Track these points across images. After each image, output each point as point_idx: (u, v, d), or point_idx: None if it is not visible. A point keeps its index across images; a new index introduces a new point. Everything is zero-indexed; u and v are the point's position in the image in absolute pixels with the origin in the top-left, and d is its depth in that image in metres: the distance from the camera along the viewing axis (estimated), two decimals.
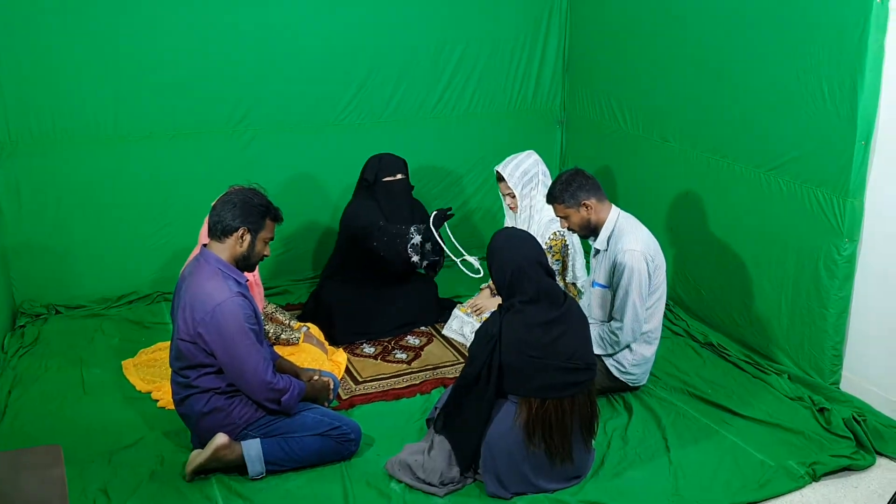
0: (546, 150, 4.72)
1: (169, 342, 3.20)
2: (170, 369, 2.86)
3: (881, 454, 3.03)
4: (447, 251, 3.80)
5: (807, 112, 3.32)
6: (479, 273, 3.74)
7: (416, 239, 3.76)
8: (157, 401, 3.31)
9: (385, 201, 3.92)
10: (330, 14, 4.33)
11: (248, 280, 2.86)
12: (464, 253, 3.82)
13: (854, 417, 3.13)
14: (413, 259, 3.77)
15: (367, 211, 3.90)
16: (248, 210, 2.73)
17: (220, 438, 2.76)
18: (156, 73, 4.09)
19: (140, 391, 3.40)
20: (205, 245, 2.80)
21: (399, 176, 3.93)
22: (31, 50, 3.89)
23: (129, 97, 4.08)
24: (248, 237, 2.75)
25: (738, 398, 3.37)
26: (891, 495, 2.57)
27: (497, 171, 3.81)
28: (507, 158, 3.83)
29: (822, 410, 3.23)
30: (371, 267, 3.89)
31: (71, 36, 3.92)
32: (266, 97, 4.31)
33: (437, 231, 3.77)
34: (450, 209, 3.85)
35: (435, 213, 3.80)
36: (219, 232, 2.73)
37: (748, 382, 3.52)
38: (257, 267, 3.48)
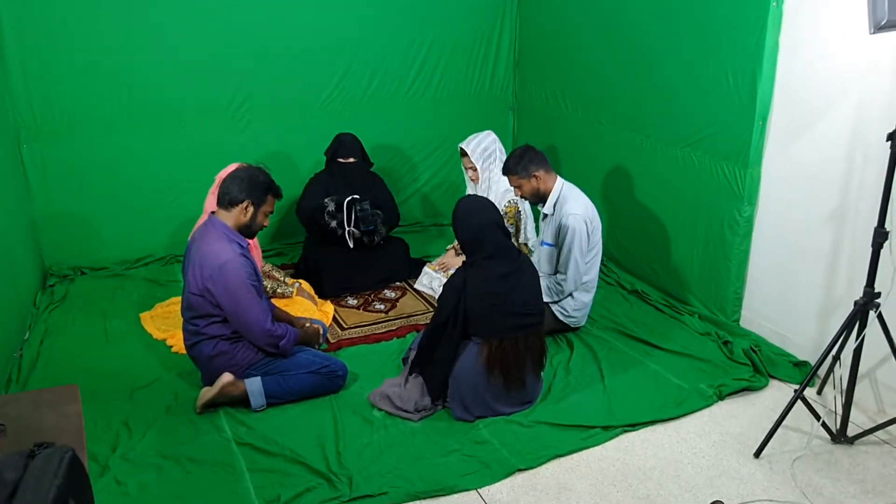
0: (501, 131, 4.65)
1: (181, 296, 3.11)
2: (182, 319, 2.77)
3: (773, 377, 3.08)
4: (345, 224, 3.67)
5: (715, 98, 3.30)
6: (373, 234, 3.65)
7: (331, 206, 3.66)
8: (171, 347, 3.23)
9: (339, 178, 3.83)
10: (316, 15, 4.19)
11: (248, 245, 2.77)
12: (350, 228, 3.69)
13: (751, 348, 3.17)
14: (332, 225, 3.66)
15: (311, 191, 3.80)
16: (254, 186, 2.66)
17: (227, 377, 2.71)
18: (164, 67, 3.92)
19: (156, 339, 3.31)
20: (213, 212, 2.71)
21: (351, 159, 3.82)
22: (52, 47, 3.70)
23: (141, 88, 3.91)
24: (251, 209, 2.67)
25: (659, 334, 3.41)
26: (781, 409, 2.60)
27: (461, 148, 3.75)
28: (470, 137, 3.77)
29: (725, 343, 3.27)
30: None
31: (87, 34, 3.74)
32: (261, 86, 4.18)
33: (349, 208, 3.65)
34: (366, 202, 3.69)
35: (353, 196, 3.67)
36: (226, 202, 2.66)
37: (666, 321, 3.56)
38: None
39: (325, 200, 3.71)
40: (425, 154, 4.82)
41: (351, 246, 3.75)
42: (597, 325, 3.50)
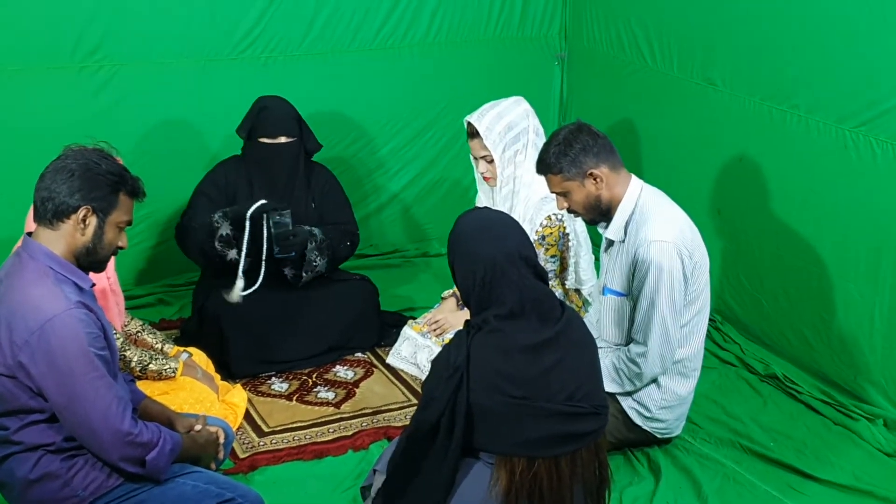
0: (539, 94, 4.70)
1: None
2: None
3: None
4: (243, 253, 3.76)
5: None
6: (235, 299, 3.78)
7: (225, 229, 3.78)
8: None
9: (256, 170, 3.95)
10: None
11: (94, 285, 2.79)
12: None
13: None
14: (230, 257, 3.81)
15: (204, 196, 3.95)
16: (92, 181, 2.66)
17: None
18: None
19: None
20: (29, 234, 2.73)
21: (282, 139, 3.93)
22: None
23: None
24: (92, 221, 2.68)
25: (813, 454, 3.39)
26: None
27: (468, 124, 3.79)
28: (484, 106, 3.81)
29: None
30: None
31: None
32: (129, 18, 4.25)
33: (251, 224, 3.75)
34: (286, 211, 3.77)
35: (262, 202, 3.76)
36: (49, 214, 2.67)
37: (827, 431, 3.54)
38: (113, 266, 3.43)
39: (215, 217, 3.79)
40: (410, 135, 4.87)
41: (241, 289, 3.79)
42: (701, 436, 3.49)
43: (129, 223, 2.78)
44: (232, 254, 3.81)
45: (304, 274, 3.92)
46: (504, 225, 2.75)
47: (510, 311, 2.65)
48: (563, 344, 2.68)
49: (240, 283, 3.78)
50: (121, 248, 2.78)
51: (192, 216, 3.93)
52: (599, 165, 3.21)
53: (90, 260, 2.73)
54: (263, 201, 3.77)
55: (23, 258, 2.68)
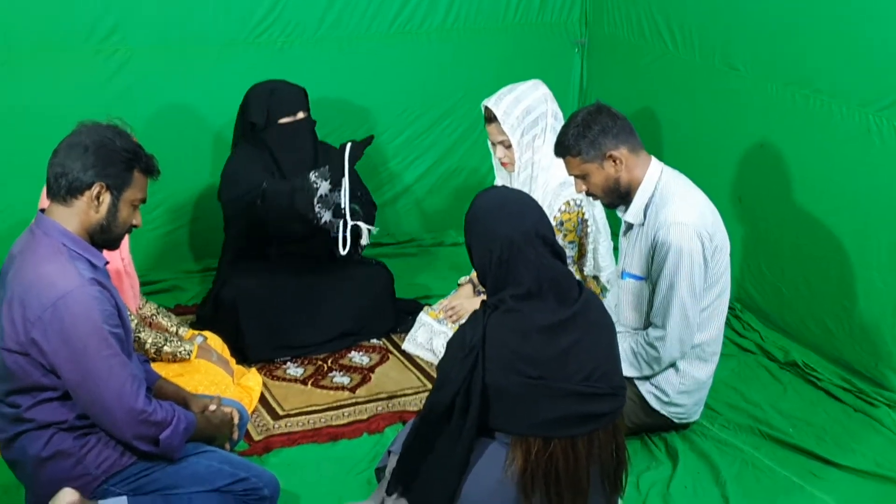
0: (559, 81, 4.71)
1: None
2: None
3: None
4: (345, 207, 3.79)
5: None
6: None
7: (324, 187, 3.77)
8: None
9: (283, 152, 3.96)
10: None
11: (108, 263, 2.80)
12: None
13: None
14: (324, 219, 3.79)
15: (249, 170, 3.95)
16: (107, 157, 2.66)
17: (68, 496, 2.70)
18: None
19: None
20: (42, 210, 2.73)
21: (300, 114, 3.97)
22: None
23: None
24: (106, 197, 2.68)
25: (833, 440, 3.39)
26: None
27: (486, 108, 3.78)
28: (502, 90, 3.81)
29: None
30: (281, 246, 3.94)
31: None
32: (145, 2, 4.28)
33: (351, 172, 3.80)
34: (370, 137, 3.87)
35: (351, 143, 3.80)
36: (63, 190, 2.66)
37: (847, 418, 3.54)
38: (128, 248, 3.44)
39: (312, 178, 3.78)
40: (428, 122, 4.89)
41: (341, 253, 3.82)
42: (720, 422, 3.48)
43: (144, 201, 2.78)
44: (327, 215, 3.79)
45: (360, 246, 3.93)
46: (521, 203, 2.74)
47: (527, 291, 2.65)
48: (581, 324, 2.68)
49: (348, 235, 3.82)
50: (135, 226, 2.78)
51: (248, 184, 3.90)
52: (619, 147, 3.19)
53: (104, 237, 2.73)
54: (348, 146, 3.79)
55: (36, 234, 2.68)
